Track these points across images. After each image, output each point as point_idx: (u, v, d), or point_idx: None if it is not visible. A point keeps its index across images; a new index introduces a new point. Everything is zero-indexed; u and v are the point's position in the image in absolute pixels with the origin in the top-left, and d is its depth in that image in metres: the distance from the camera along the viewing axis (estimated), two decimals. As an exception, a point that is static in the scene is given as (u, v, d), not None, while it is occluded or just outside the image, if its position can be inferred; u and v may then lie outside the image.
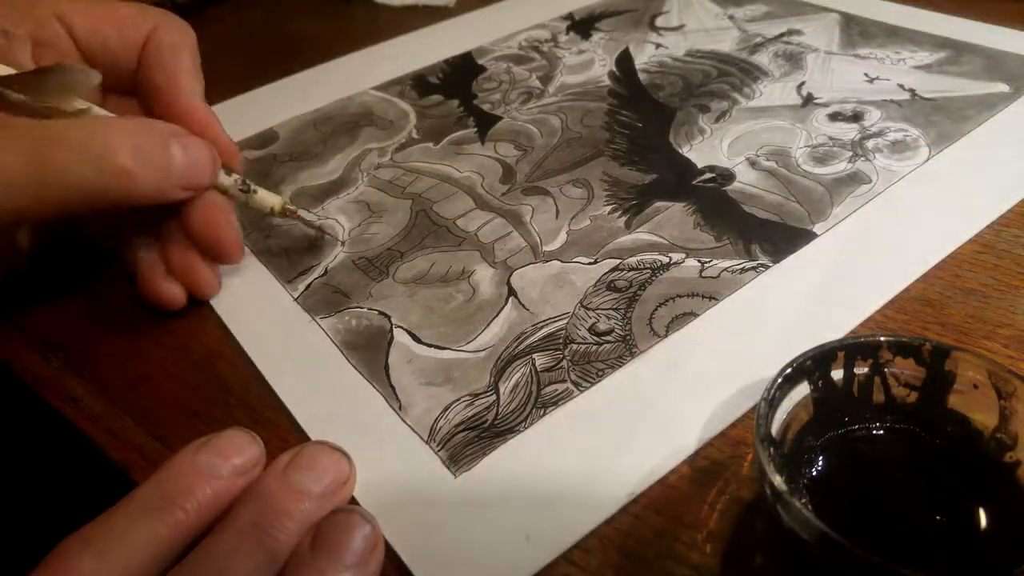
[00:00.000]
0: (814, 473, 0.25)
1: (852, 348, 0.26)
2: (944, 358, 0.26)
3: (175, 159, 0.33)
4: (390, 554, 0.26)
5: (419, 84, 0.54)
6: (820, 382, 0.26)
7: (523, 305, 0.35)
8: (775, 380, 0.25)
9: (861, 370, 0.26)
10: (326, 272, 0.38)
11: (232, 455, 0.26)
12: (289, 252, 0.40)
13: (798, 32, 0.55)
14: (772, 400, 0.24)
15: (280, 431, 0.31)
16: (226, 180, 0.36)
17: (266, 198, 0.38)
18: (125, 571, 0.23)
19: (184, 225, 0.35)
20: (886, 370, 0.26)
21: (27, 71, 0.33)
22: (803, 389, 0.26)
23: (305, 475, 0.26)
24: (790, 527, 0.22)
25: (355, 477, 0.28)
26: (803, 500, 0.24)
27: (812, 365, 0.26)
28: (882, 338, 0.26)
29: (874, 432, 0.26)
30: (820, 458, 0.25)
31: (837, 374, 0.26)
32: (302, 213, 0.39)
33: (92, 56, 0.37)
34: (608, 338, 0.33)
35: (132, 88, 0.38)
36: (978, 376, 0.25)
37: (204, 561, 0.23)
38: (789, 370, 0.25)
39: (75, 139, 0.30)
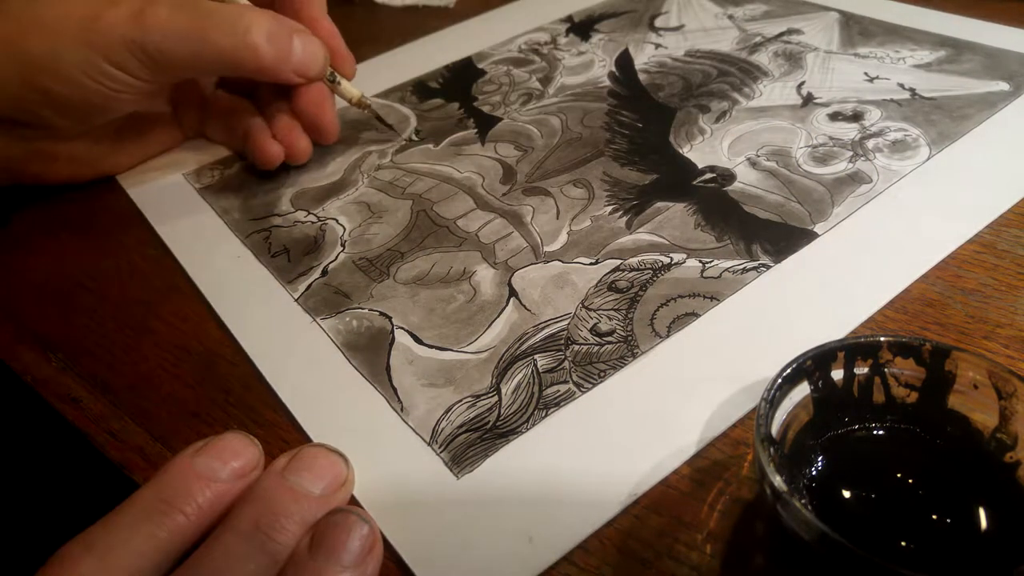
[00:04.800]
0: (814, 473, 0.25)
1: (852, 348, 0.26)
2: (944, 358, 0.26)
3: (295, 49, 0.42)
4: (393, 556, 0.26)
5: (420, 89, 0.54)
6: (820, 382, 0.26)
7: (524, 306, 0.35)
8: (775, 380, 0.25)
9: (861, 370, 0.26)
10: (326, 272, 0.38)
11: (230, 458, 0.26)
12: (289, 252, 0.40)
13: (798, 31, 0.55)
14: (772, 400, 0.25)
15: (280, 432, 0.31)
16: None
17: (348, 90, 0.47)
18: (126, 575, 0.23)
19: (294, 105, 0.45)
20: (886, 370, 0.26)
21: None
22: (803, 389, 0.26)
23: (303, 477, 0.26)
24: (790, 527, 0.22)
25: (353, 478, 0.28)
26: (803, 500, 0.24)
27: (812, 365, 0.26)
28: (882, 338, 0.26)
29: (874, 432, 0.26)
30: (820, 458, 0.25)
31: (837, 374, 0.26)
32: (375, 107, 0.48)
33: None
34: (610, 339, 0.33)
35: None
36: (978, 376, 0.25)
37: (204, 564, 0.23)
38: (789, 370, 0.25)
39: (227, 17, 0.40)
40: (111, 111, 0.43)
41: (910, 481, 0.25)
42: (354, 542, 0.24)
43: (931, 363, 0.26)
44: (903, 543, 0.23)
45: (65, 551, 0.23)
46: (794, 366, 0.25)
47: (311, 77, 0.44)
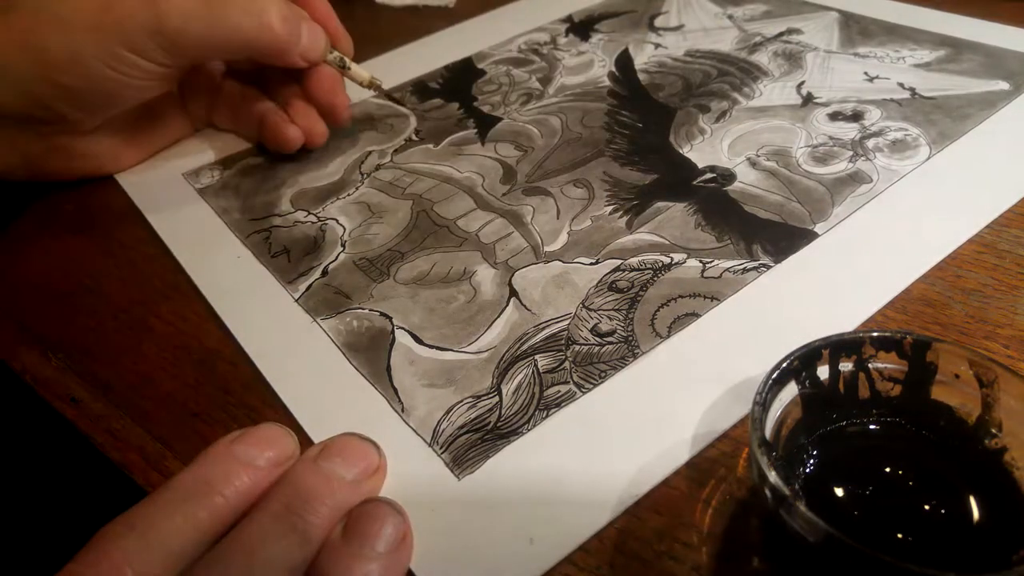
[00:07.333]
0: (807, 471, 0.25)
1: (836, 345, 0.26)
2: (925, 350, 0.26)
3: (303, 34, 0.44)
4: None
5: (419, 89, 0.54)
6: (807, 381, 0.26)
7: (525, 306, 0.35)
8: (765, 382, 0.25)
9: (846, 367, 0.27)
10: (327, 273, 0.38)
11: (266, 447, 0.27)
12: (290, 252, 0.40)
13: (797, 31, 0.55)
14: (764, 403, 0.25)
15: (281, 432, 0.31)
16: (329, 56, 0.46)
17: (358, 73, 0.48)
18: (166, 552, 0.23)
19: (306, 90, 0.46)
20: (870, 365, 0.27)
21: None
22: (792, 389, 0.26)
23: (335, 462, 0.27)
24: (793, 530, 0.22)
25: (385, 466, 0.28)
26: (799, 499, 0.24)
27: (799, 364, 0.26)
28: (863, 333, 0.26)
29: (862, 428, 0.27)
30: (812, 456, 0.26)
31: (823, 372, 0.27)
32: (384, 88, 0.49)
33: None
34: (610, 339, 0.33)
35: None
36: (959, 366, 0.25)
37: (238, 542, 0.24)
38: (777, 372, 0.25)
39: None
40: (127, 100, 0.43)
41: (900, 473, 0.25)
42: (387, 530, 0.25)
43: (912, 356, 0.26)
44: (897, 535, 0.23)
45: (108, 529, 0.24)
46: (782, 367, 0.26)
47: (313, 61, 0.45)
